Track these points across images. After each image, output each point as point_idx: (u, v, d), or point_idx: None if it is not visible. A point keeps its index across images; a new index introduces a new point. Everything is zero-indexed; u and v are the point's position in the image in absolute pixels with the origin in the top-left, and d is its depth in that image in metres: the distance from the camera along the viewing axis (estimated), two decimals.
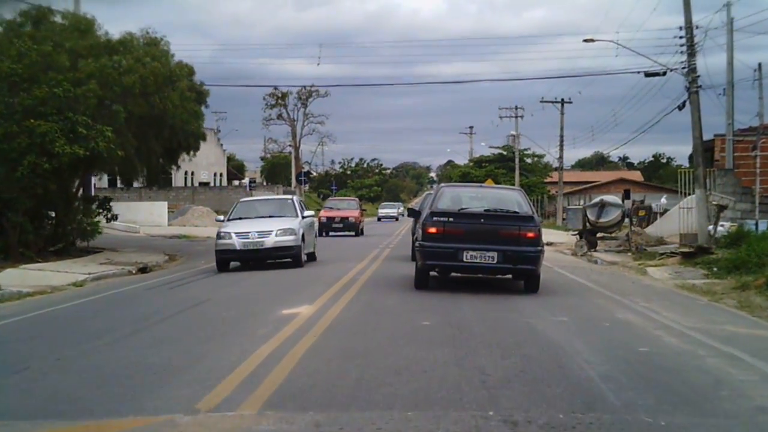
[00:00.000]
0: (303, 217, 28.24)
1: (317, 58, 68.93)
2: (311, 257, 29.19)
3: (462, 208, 19.16)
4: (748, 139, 37.34)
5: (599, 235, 37.76)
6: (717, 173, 36.38)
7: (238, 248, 26.07)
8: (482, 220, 18.43)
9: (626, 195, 64.09)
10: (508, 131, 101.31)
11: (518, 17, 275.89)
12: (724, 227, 32.57)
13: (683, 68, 34.37)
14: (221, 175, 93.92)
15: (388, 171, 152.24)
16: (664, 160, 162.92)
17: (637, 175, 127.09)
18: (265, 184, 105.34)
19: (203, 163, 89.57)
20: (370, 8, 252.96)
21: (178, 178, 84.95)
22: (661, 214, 44.21)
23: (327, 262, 29.17)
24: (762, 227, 33.33)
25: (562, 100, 68.13)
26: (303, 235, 27.06)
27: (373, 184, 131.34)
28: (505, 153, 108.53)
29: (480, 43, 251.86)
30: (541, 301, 18.20)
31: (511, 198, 20.05)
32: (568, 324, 14.66)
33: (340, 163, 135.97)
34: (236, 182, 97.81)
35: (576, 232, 39.50)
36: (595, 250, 36.43)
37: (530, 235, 18.42)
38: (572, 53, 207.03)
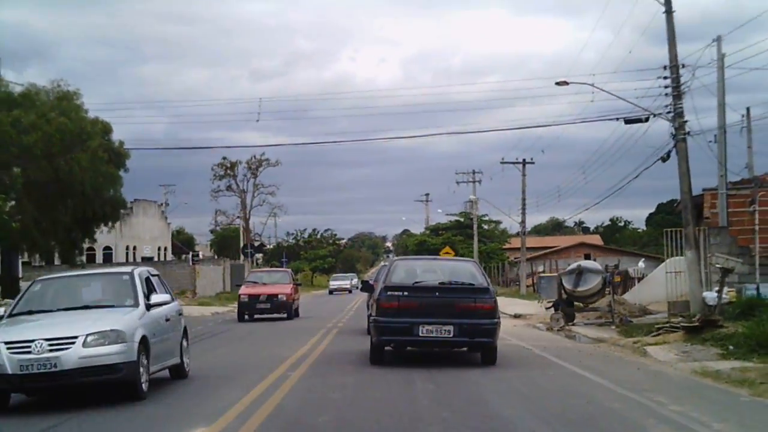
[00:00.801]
0: (149, 306, 15.54)
1: (257, 114, 61.42)
2: (178, 373, 17.18)
3: (416, 282, 18.70)
4: (742, 193, 32.54)
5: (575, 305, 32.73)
6: (710, 231, 31.46)
7: (9, 372, 13.62)
8: (437, 293, 18.09)
9: (587, 259, 59.73)
10: (465, 197, 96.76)
11: (473, 85, 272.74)
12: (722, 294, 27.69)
13: (668, 112, 29.87)
14: (165, 249, 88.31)
15: (343, 241, 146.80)
16: (621, 224, 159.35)
17: (596, 239, 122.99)
18: (215, 257, 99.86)
19: (146, 237, 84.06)
20: (326, 77, 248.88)
21: (119, 253, 79.32)
22: (639, 279, 39.28)
23: (208, 375, 18.03)
24: (765, 292, 28.43)
25: (524, 160, 63.64)
26: (145, 341, 14.72)
27: (327, 254, 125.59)
28: (462, 220, 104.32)
29: (436, 108, 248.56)
30: (531, 403, 13.70)
31: (465, 270, 19.79)
32: None
33: (292, 234, 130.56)
34: (183, 256, 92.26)
35: (550, 303, 34.38)
36: (573, 324, 31.40)
37: (486, 307, 18.07)
38: (531, 115, 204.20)
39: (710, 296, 26.29)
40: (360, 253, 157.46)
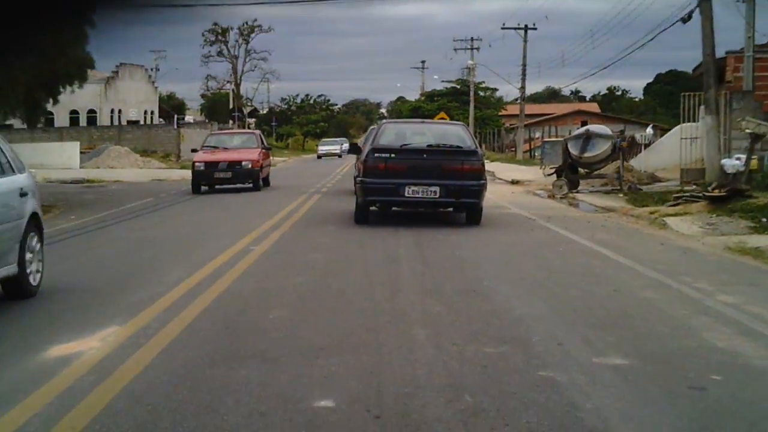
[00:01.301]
0: None
1: None
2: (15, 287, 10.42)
3: (404, 144, 18.51)
4: None
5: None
6: (732, 96, 28.31)
7: None
8: (425, 155, 17.98)
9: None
10: (463, 66, 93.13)
11: None
12: (740, 161, 24.78)
13: None
14: (152, 113, 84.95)
15: (337, 107, 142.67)
16: (619, 93, 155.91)
17: (593, 107, 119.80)
18: (207, 121, 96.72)
19: (132, 101, 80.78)
20: None
21: (103, 117, 76.13)
22: (646, 146, 36.26)
23: (146, 257, 14.49)
24: None
25: (526, 26, 59.86)
26: None
27: (320, 119, 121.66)
28: (458, 86, 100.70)
29: None
30: (546, 295, 10.61)
31: (454, 132, 19.59)
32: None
33: (283, 98, 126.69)
34: (162, 120, 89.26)
35: (552, 170, 31.44)
36: (578, 191, 28.55)
37: (474, 168, 17.91)
38: None
39: (729, 164, 23.45)
40: (353, 118, 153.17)
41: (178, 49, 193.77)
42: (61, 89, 30.09)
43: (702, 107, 30.73)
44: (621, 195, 26.54)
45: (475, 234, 17.18)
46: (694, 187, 26.15)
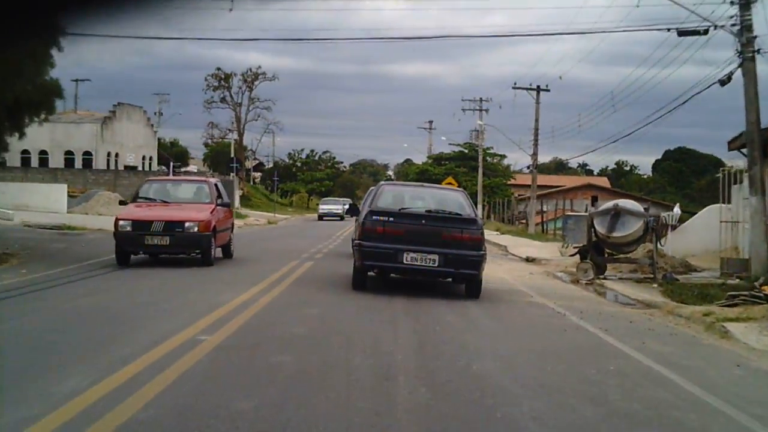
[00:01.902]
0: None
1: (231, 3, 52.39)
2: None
3: (403, 208, 18.13)
4: None
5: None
6: None
7: None
8: (423, 221, 17.41)
9: (593, 202, 53.02)
10: (470, 127, 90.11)
11: (479, 21, 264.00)
12: None
13: (733, 24, 23.56)
14: (150, 159, 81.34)
15: (343, 166, 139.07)
16: (627, 168, 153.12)
17: (603, 181, 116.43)
18: (211, 172, 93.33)
19: (129, 144, 77.15)
20: (332, 4, 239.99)
21: (99, 160, 72.54)
22: (673, 227, 32.54)
23: None
24: None
25: (538, 87, 56.30)
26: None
27: (325, 177, 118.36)
28: (466, 151, 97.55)
29: (442, 43, 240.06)
30: None
31: (453, 199, 19.09)
32: None
33: (289, 153, 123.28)
34: (164, 167, 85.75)
35: (575, 249, 27.62)
36: (605, 277, 24.79)
37: (473, 238, 17.37)
38: (536, 55, 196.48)
39: None
40: (360, 179, 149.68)
41: (185, 96, 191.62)
42: (27, 120, 26.36)
43: (736, 186, 27.33)
44: (655, 285, 22.83)
45: (497, 332, 13.57)
46: (738, 280, 22.50)
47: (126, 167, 74.21)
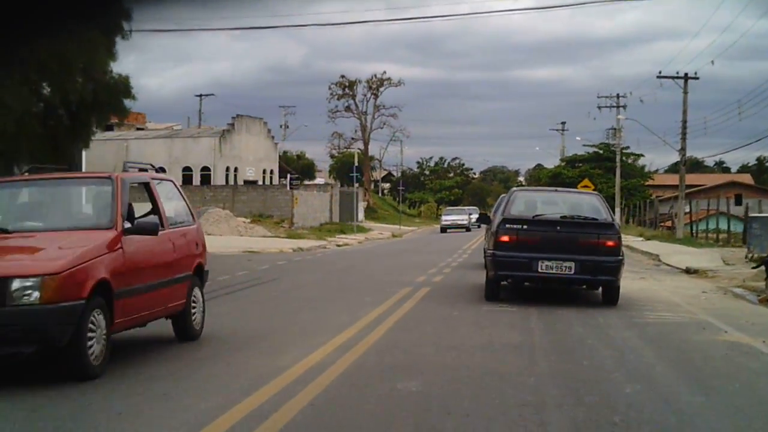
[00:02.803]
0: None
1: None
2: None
3: (537, 215, 17.15)
4: None
5: None
6: None
7: None
8: (558, 228, 16.66)
9: (738, 201, 46.85)
10: (605, 126, 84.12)
11: (611, 20, 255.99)
12: None
13: None
14: (271, 172, 77.36)
15: (474, 173, 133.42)
16: None
17: (747, 178, 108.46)
18: (338, 183, 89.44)
19: (249, 158, 73.32)
20: (460, 11, 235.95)
21: (218, 175, 68.90)
22: None
23: None
24: None
25: (686, 74, 50.13)
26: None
27: (454, 185, 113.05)
28: (601, 151, 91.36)
29: (570, 46, 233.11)
30: None
31: (588, 203, 18.08)
32: None
33: (417, 162, 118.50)
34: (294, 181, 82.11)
35: (761, 259, 21.86)
36: None
37: (610, 243, 16.53)
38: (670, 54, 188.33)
39: None
40: (491, 186, 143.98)
41: (310, 108, 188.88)
42: (93, 126, 21.90)
43: None
44: None
45: (704, 414, 8.23)
46: None
47: (245, 182, 70.40)
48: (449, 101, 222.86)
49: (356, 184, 68.80)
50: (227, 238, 43.50)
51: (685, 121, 49.66)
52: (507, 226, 16.76)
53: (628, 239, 48.84)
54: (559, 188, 27.38)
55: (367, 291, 18.65)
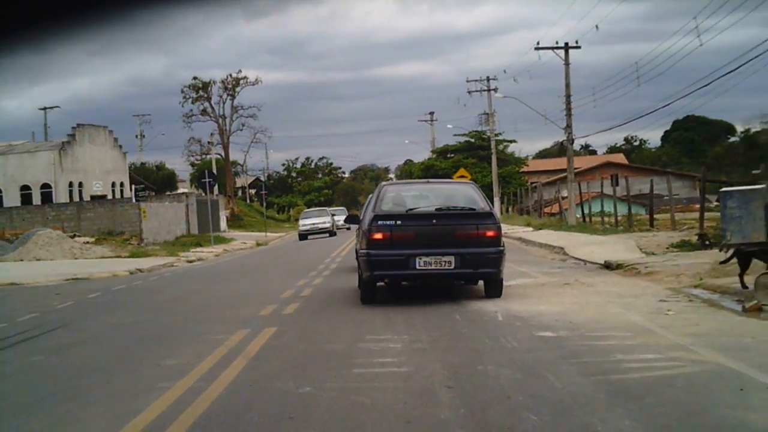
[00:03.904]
0: None
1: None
2: None
3: (410, 209, 16.03)
4: None
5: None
6: None
7: None
8: (434, 221, 15.49)
9: (615, 181, 42.46)
10: (478, 113, 78.93)
11: (469, 14, 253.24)
12: None
13: None
14: (122, 184, 69.61)
15: (344, 174, 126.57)
16: (636, 143, 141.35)
17: (620, 158, 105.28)
18: (198, 192, 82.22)
19: (95, 171, 65.58)
20: (321, 13, 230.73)
21: (60, 192, 61.19)
22: None
23: None
24: None
25: (566, 44, 44.51)
26: None
27: (323, 186, 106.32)
28: (473, 140, 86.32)
29: (431, 41, 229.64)
30: None
31: (463, 193, 16.94)
32: None
33: (283, 164, 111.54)
34: (148, 192, 74.61)
35: (729, 251, 15.80)
36: None
37: (490, 234, 15.48)
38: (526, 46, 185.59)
39: None
40: (362, 185, 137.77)
41: (169, 118, 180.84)
42: None
43: None
44: None
45: None
46: None
47: (93, 197, 62.74)
48: (314, 103, 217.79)
49: (215, 192, 61.85)
50: (57, 263, 36.34)
51: (568, 95, 44.01)
52: (379, 223, 15.43)
53: (516, 230, 43.29)
54: (431, 180, 26.39)
55: (179, 343, 12.14)
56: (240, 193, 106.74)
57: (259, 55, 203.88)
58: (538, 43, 44.23)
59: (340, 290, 18.60)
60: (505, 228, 47.13)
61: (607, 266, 21.63)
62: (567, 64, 43.61)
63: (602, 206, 45.95)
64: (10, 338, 14.14)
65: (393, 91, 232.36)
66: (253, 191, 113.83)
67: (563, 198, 63.38)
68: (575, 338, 10.71)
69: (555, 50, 44.04)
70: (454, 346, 10.49)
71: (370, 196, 18.38)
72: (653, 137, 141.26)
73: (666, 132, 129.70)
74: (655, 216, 41.39)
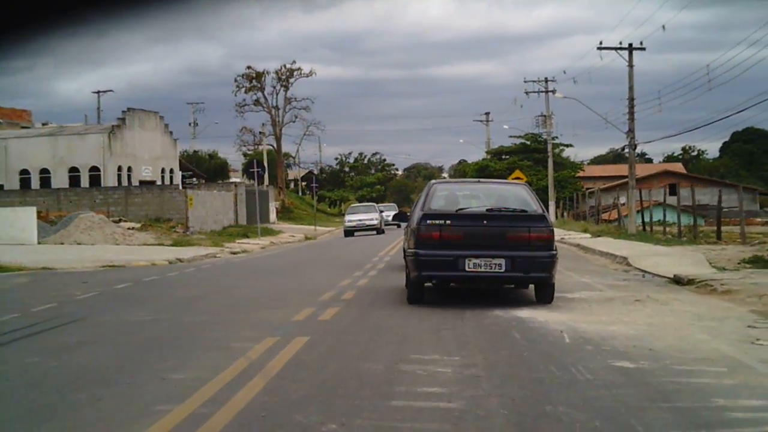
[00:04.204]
0: None
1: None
2: None
3: (460, 209, 15.34)
4: None
5: None
6: None
7: None
8: (485, 222, 14.79)
9: (672, 190, 40.80)
10: (534, 113, 76.75)
11: (527, 15, 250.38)
12: None
13: None
14: (171, 171, 68.41)
15: (393, 167, 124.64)
16: (694, 153, 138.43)
17: (679, 167, 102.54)
18: (247, 182, 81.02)
19: (144, 157, 64.46)
20: (378, 9, 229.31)
21: (109, 175, 60.12)
22: None
23: None
24: None
25: (630, 45, 42.34)
26: None
27: (376, 182, 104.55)
28: (528, 142, 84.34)
29: (489, 42, 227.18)
30: None
31: (515, 194, 16.13)
32: None
33: (336, 158, 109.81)
34: (196, 180, 73.27)
35: None
36: None
37: (543, 236, 14.72)
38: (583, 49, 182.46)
39: None
40: (415, 183, 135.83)
41: (226, 109, 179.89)
42: None
43: None
44: None
45: None
46: None
47: (141, 182, 61.58)
48: (368, 100, 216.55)
49: (266, 183, 60.41)
50: (97, 248, 35.16)
51: (632, 98, 41.84)
52: (428, 222, 14.81)
53: (573, 236, 41.28)
54: (482, 179, 25.38)
55: (194, 351, 10.54)
56: (292, 185, 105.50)
57: (315, 50, 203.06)
58: (600, 43, 42.14)
59: (384, 293, 16.97)
60: (561, 233, 45.60)
61: (677, 281, 19.73)
62: (631, 66, 41.44)
63: (664, 215, 43.87)
64: (16, 332, 12.69)
65: (448, 91, 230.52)
66: (305, 184, 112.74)
67: (621, 204, 61.33)
68: (659, 372, 8.89)
69: (618, 50, 41.88)
70: (515, 375, 8.70)
71: (420, 193, 17.37)
72: (711, 148, 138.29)
73: (725, 143, 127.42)
74: (708, 228, 39.44)
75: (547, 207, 76.19)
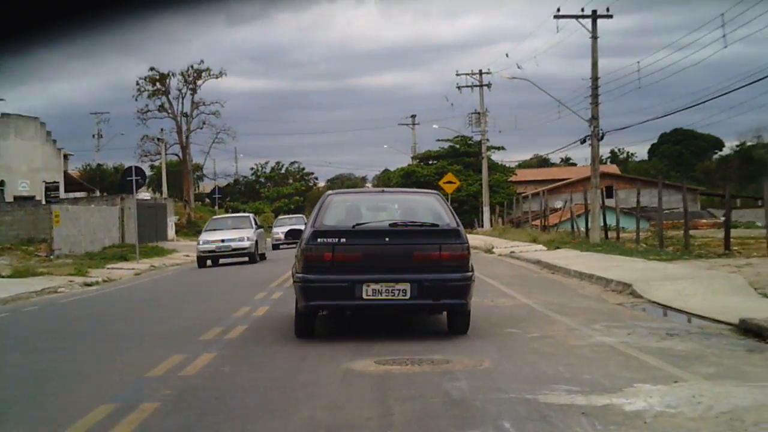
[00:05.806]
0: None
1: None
2: None
3: (358, 223, 12.54)
4: None
5: None
6: None
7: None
8: (387, 239, 12.22)
9: (609, 193, 34.07)
10: (466, 112, 69.05)
11: (452, 24, 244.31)
12: None
13: None
14: (55, 184, 58.89)
15: (313, 176, 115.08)
16: (623, 155, 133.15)
17: (614, 169, 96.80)
18: (155, 195, 71.81)
19: (22, 169, 54.73)
20: (303, 21, 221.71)
21: None
22: None
23: None
24: None
25: (594, 12, 33.90)
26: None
27: (294, 192, 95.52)
28: (458, 146, 76.56)
29: (413, 51, 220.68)
30: None
31: (426, 205, 13.52)
32: None
33: (251, 168, 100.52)
34: (87, 194, 63.81)
35: None
36: None
37: (456, 255, 12.18)
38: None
39: None
40: None
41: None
42: None
43: None
44: None
45: None
46: None
47: (16, 198, 52.03)
48: (294, 112, 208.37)
49: (164, 195, 51.36)
50: None
51: (595, 78, 33.48)
52: (319, 240, 12.07)
53: (523, 248, 32.62)
54: (387, 189, 21.66)
55: None
56: (206, 199, 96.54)
57: (240, 62, 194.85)
58: (558, 10, 33.67)
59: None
60: (507, 245, 37.00)
61: (745, 329, 11.47)
62: (595, 37, 33.08)
63: (605, 219, 35.75)
64: None
65: (375, 101, 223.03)
66: (217, 197, 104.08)
67: (558, 209, 54.02)
68: None
69: (580, 19, 33.49)
70: None
71: (314, 208, 14.12)
72: (639, 151, 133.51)
73: (653, 145, 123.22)
74: (669, 233, 32.38)
75: (481, 213, 69.87)
